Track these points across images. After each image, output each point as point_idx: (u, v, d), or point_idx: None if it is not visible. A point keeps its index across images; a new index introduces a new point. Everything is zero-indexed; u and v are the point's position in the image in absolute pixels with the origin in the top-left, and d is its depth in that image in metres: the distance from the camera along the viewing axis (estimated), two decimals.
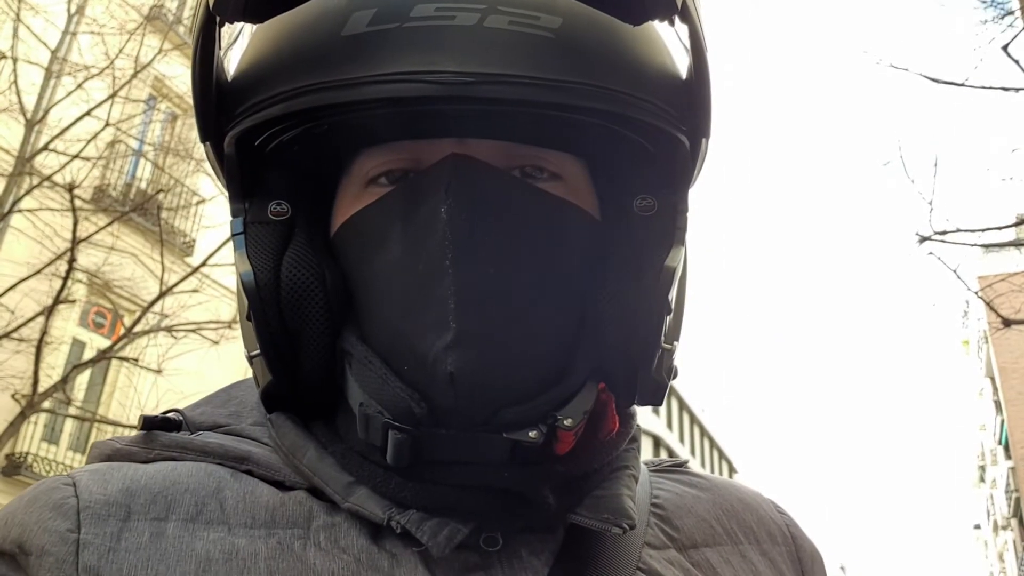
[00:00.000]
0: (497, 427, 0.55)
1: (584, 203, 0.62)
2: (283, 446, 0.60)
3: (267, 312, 0.58)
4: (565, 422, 0.56)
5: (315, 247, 0.61)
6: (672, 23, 0.59)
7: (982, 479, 36.26)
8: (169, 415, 0.65)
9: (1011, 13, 7.06)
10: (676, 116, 0.59)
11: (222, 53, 0.59)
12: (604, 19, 0.57)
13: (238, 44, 0.62)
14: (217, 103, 0.59)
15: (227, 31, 0.59)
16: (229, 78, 0.61)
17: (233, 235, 0.61)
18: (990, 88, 6.75)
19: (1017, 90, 6.65)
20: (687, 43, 0.59)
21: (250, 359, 0.60)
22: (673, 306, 0.60)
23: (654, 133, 0.59)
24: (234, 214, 0.61)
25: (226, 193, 0.63)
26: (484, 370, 0.53)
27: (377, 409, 0.55)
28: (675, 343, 0.62)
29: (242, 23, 0.57)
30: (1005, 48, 6.54)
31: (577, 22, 0.56)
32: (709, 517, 0.68)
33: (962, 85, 6.79)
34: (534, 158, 0.61)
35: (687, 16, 0.56)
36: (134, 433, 0.66)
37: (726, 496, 0.71)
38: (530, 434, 0.54)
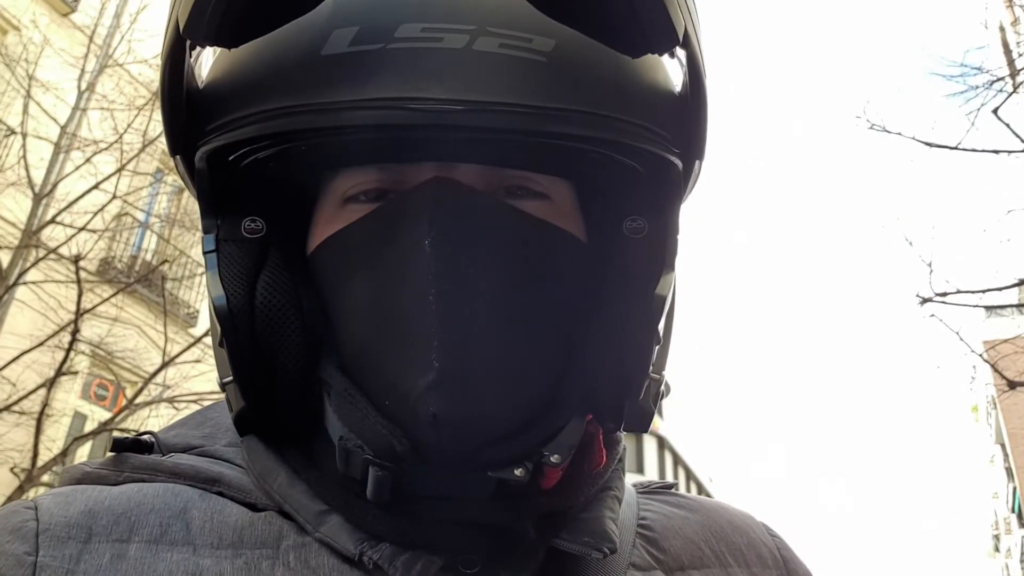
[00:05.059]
0: (481, 465, 0.53)
1: (572, 226, 0.60)
2: (254, 469, 0.59)
3: (240, 338, 0.56)
4: (552, 459, 0.55)
5: (291, 268, 0.59)
6: (673, 55, 0.58)
7: (996, 548, 35.45)
8: (142, 437, 0.64)
9: (1000, 79, 7.21)
10: (669, 138, 0.58)
11: (192, 59, 0.57)
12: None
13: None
14: (188, 112, 0.57)
15: None
16: (200, 83, 0.58)
17: (205, 253, 0.58)
18: (982, 151, 6.86)
19: (1009, 152, 6.75)
20: (685, 66, 0.58)
21: (222, 386, 0.58)
22: (662, 335, 0.59)
23: (647, 156, 0.57)
24: (206, 230, 0.59)
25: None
26: (468, 410, 0.52)
27: (357, 444, 0.53)
28: (662, 373, 0.61)
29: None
30: (995, 112, 6.66)
31: (571, 44, 0.54)
32: (697, 539, 0.66)
33: (955, 149, 6.89)
34: (521, 178, 0.58)
35: (687, 44, 0.54)
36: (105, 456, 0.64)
37: (715, 518, 0.70)
38: (516, 472, 0.53)
